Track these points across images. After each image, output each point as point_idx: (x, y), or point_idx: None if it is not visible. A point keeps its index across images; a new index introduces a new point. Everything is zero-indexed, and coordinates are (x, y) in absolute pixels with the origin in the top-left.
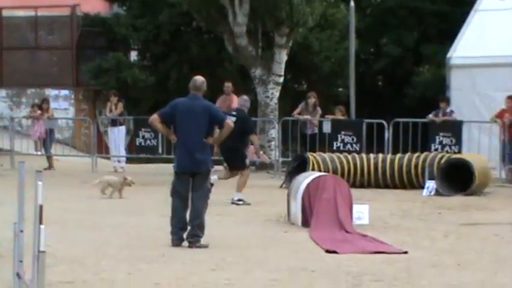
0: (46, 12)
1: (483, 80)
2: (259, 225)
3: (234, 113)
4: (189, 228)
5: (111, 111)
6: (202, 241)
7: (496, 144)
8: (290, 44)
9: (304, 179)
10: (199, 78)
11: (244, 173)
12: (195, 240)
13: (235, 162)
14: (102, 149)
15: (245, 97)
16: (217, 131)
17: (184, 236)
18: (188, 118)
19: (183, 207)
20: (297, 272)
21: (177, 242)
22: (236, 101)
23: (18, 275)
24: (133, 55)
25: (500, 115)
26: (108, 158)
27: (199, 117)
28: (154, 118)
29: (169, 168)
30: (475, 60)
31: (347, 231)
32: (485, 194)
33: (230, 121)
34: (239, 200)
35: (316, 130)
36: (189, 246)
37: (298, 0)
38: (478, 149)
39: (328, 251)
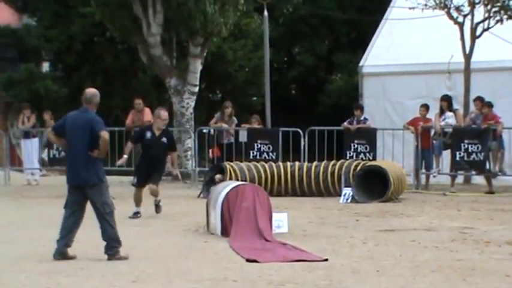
0: None
1: (395, 87)
2: (178, 235)
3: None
4: (104, 243)
5: (23, 123)
6: (122, 253)
7: (409, 151)
8: (204, 54)
9: (223, 189)
10: (90, 91)
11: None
12: (113, 252)
13: (158, 176)
14: (14, 161)
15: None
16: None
17: (69, 251)
18: (74, 131)
19: (73, 221)
20: (218, 281)
21: (57, 256)
22: (149, 115)
23: None
24: (46, 66)
25: (413, 122)
26: (21, 171)
27: (83, 130)
28: (49, 130)
29: None
30: (386, 68)
31: (267, 240)
32: (401, 200)
33: (105, 133)
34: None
35: (233, 139)
36: (109, 259)
37: (211, 11)
38: (392, 155)
39: (248, 260)
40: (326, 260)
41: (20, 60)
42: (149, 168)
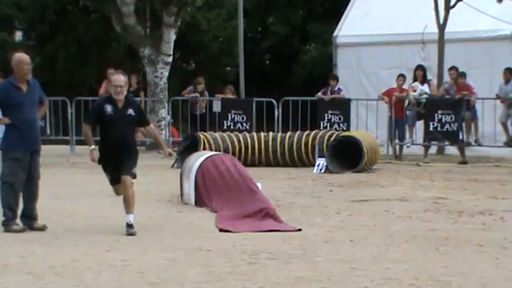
0: None
1: (369, 58)
2: (152, 205)
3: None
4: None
5: None
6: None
7: (383, 122)
8: (178, 23)
9: (198, 158)
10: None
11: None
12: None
13: (132, 163)
14: None
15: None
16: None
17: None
18: None
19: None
20: (193, 251)
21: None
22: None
23: None
24: (19, 35)
25: (388, 93)
26: None
27: None
28: None
29: (57, 150)
30: (361, 38)
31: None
32: (374, 171)
33: None
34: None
35: (204, 111)
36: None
37: None
38: (366, 126)
39: (221, 230)
40: (300, 230)
41: None
42: (117, 154)
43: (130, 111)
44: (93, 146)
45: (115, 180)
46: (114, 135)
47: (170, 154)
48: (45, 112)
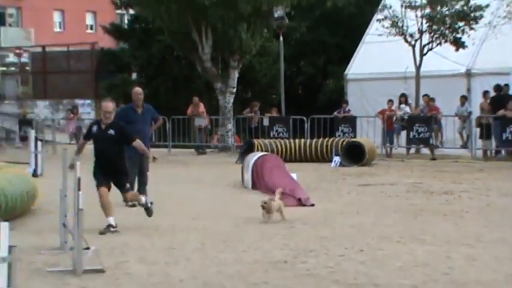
0: (75, 48)
1: (369, 88)
2: (222, 188)
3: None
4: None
5: None
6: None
7: (378, 132)
8: (240, 66)
9: (253, 157)
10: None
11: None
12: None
13: (123, 179)
14: None
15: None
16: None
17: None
18: None
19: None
20: (250, 219)
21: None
22: (202, 107)
23: (64, 225)
24: (134, 75)
25: (381, 112)
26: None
27: None
28: None
29: (158, 152)
30: (363, 76)
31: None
32: (373, 165)
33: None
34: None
35: (257, 125)
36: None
37: (245, 36)
38: (367, 135)
39: None
40: (313, 205)
41: (117, 72)
42: (105, 167)
43: (111, 132)
44: (76, 156)
45: (100, 184)
46: (97, 148)
47: (154, 158)
48: (160, 125)
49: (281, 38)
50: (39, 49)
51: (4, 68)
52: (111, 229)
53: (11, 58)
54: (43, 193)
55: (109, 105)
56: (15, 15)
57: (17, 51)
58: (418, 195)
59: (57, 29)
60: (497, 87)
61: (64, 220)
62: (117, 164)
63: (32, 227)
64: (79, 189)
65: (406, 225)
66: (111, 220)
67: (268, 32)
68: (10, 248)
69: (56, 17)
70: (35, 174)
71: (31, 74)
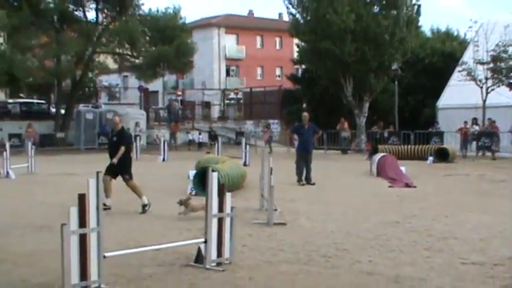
0: (269, 89)
1: (453, 114)
2: (358, 175)
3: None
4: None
5: None
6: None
7: (457, 141)
8: (370, 99)
9: (377, 156)
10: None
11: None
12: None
13: (122, 171)
14: None
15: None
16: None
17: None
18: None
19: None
20: (376, 194)
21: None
22: (345, 124)
23: (261, 195)
24: (304, 105)
25: (460, 129)
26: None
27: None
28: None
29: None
30: (449, 106)
31: (394, 178)
32: (454, 163)
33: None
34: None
35: (380, 136)
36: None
37: (373, 81)
38: (451, 143)
39: (389, 187)
40: (415, 187)
41: (293, 103)
42: (111, 164)
43: (114, 138)
44: (115, 161)
45: (106, 173)
46: (108, 150)
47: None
48: (319, 136)
49: (396, 82)
50: (248, 90)
51: (228, 101)
52: (106, 207)
53: (232, 95)
54: (249, 176)
55: (116, 118)
56: (235, 70)
57: (236, 91)
58: (484, 182)
59: (258, 78)
60: None
61: (262, 192)
62: (119, 162)
63: (244, 196)
64: (271, 174)
65: (476, 201)
66: (107, 201)
67: (388, 78)
68: (232, 208)
69: (259, 70)
70: (245, 164)
71: (243, 104)
